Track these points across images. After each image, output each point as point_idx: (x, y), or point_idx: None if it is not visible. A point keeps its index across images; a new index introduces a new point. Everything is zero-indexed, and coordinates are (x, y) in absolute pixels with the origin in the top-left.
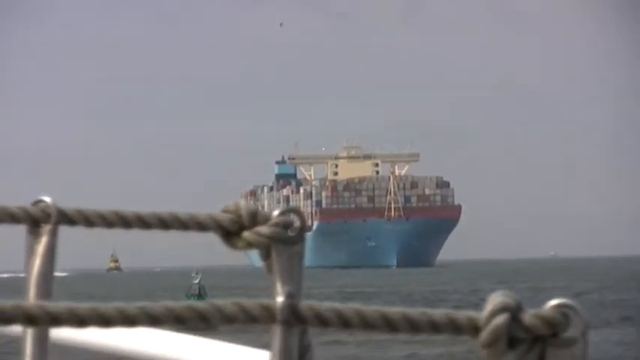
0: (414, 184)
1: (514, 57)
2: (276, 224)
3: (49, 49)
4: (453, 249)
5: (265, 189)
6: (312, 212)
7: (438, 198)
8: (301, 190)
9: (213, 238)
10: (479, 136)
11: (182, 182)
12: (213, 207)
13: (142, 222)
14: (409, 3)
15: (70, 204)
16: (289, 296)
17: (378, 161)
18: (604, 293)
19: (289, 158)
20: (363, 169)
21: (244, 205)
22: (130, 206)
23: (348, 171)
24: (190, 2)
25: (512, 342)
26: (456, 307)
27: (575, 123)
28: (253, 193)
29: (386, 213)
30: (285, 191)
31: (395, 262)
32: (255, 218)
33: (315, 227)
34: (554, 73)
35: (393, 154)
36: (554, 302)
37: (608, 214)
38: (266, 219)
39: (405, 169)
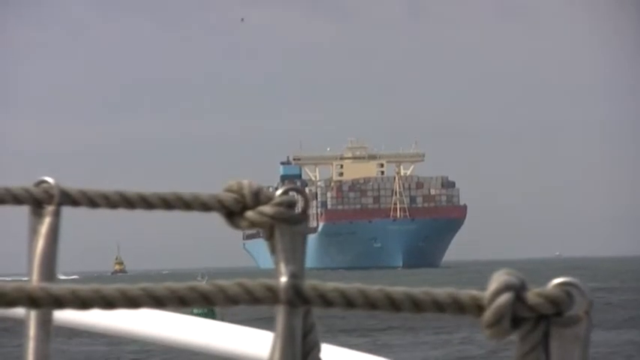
0: (419, 185)
1: (522, 55)
2: (280, 203)
3: (47, 46)
4: (458, 249)
5: (270, 190)
6: (317, 213)
7: (444, 198)
8: (306, 191)
9: (217, 241)
10: (484, 136)
11: (185, 183)
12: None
13: (146, 202)
14: (414, 1)
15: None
16: (293, 276)
17: (383, 161)
18: (612, 293)
19: (294, 159)
20: (368, 170)
21: (247, 183)
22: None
23: (353, 171)
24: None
25: (515, 321)
26: None
27: (583, 122)
28: None
29: (391, 213)
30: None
31: (401, 263)
32: (258, 197)
33: (320, 228)
34: (561, 71)
35: (398, 154)
36: (557, 281)
37: (613, 214)
38: (269, 198)
39: (411, 169)
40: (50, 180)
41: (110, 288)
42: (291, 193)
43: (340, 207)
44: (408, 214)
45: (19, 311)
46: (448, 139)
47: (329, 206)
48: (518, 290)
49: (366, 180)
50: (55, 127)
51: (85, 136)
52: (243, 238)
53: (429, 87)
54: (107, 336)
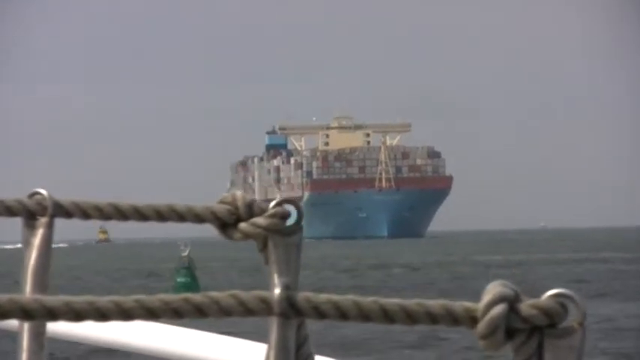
0: (405, 155)
1: (510, 29)
2: (273, 215)
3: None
4: (443, 220)
5: (256, 159)
6: (302, 183)
7: (430, 168)
8: (292, 161)
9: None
10: (470, 107)
11: (172, 151)
12: (203, 178)
13: (139, 214)
14: None
15: (62, 171)
16: (286, 288)
17: (370, 131)
18: (606, 263)
19: (280, 128)
20: (354, 140)
21: (241, 195)
22: (118, 174)
23: (339, 141)
24: None
25: (509, 332)
26: (457, 278)
27: (567, 95)
28: (243, 164)
29: (377, 183)
30: (275, 162)
31: (386, 233)
32: (252, 209)
33: (305, 198)
34: (551, 45)
35: (384, 125)
36: (552, 292)
37: (598, 186)
38: (262, 210)
39: (397, 139)
40: (43, 192)
41: (104, 300)
42: (284, 204)
43: (326, 177)
44: (393, 184)
45: (13, 323)
46: (435, 110)
47: (314, 176)
48: (512, 302)
49: (352, 150)
50: (49, 92)
51: (75, 102)
52: None
53: (417, 58)
54: (101, 347)
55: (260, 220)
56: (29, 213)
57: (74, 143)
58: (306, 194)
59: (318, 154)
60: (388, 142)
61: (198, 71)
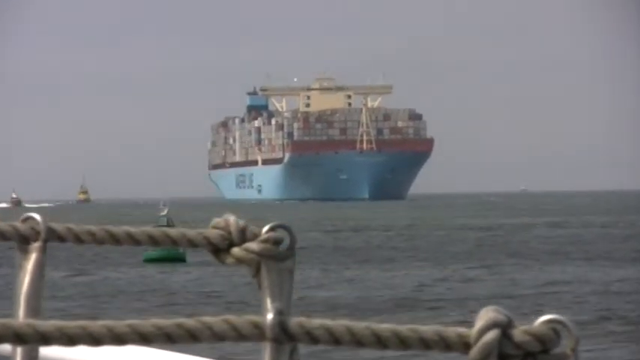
0: (386, 117)
1: None
2: (266, 240)
3: None
4: (424, 182)
5: (237, 120)
6: (283, 144)
7: (411, 131)
8: (273, 122)
9: (182, 171)
10: (452, 69)
11: (154, 110)
12: (184, 138)
13: (132, 239)
14: None
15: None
16: (279, 313)
17: (351, 93)
18: (587, 228)
19: (261, 89)
20: (335, 101)
21: (233, 220)
22: (101, 134)
23: (321, 102)
24: None
25: (502, 358)
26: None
27: (552, 58)
28: (224, 125)
29: (358, 145)
30: (256, 123)
31: (367, 195)
32: (245, 234)
33: (286, 159)
34: (535, 5)
35: (365, 86)
36: (544, 318)
37: (579, 150)
38: (255, 235)
39: (378, 101)
40: (36, 216)
41: (97, 324)
42: (277, 229)
43: (307, 138)
44: (374, 146)
45: (5, 347)
46: (416, 72)
47: (295, 137)
48: (504, 327)
49: (333, 111)
50: (38, 53)
51: (58, 63)
52: (209, 168)
53: (398, 20)
54: None
55: (253, 246)
56: (22, 237)
57: (57, 98)
58: (287, 155)
59: (299, 115)
60: (369, 104)
61: (179, 31)
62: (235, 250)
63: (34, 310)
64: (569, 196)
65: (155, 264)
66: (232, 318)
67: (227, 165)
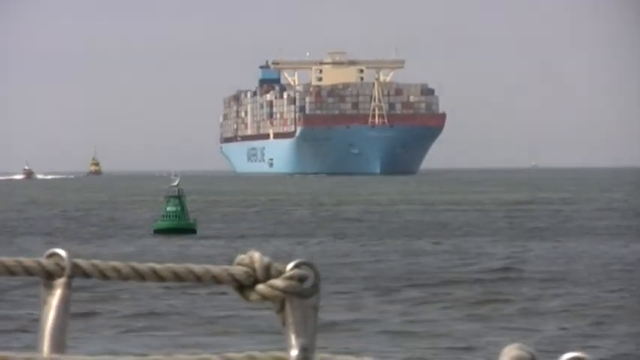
0: (398, 91)
1: None
2: (290, 277)
3: None
4: (436, 157)
5: (249, 94)
6: (295, 118)
7: (423, 105)
8: (285, 96)
9: (194, 144)
10: (465, 44)
11: (166, 84)
12: (196, 110)
13: (157, 275)
14: None
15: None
16: (303, 349)
17: (363, 67)
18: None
19: (273, 63)
20: (347, 75)
21: (258, 257)
22: (113, 107)
23: (333, 77)
24: None
25: None
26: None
27: (563, 33)
28: (236, 98)
29: (370, 119)
30: (268, 96)
31: (379, 170)
32: (269, 271)
33: (298, 133)
34: None
35: (378, 60)
36: (567, 356)
37: (589, 126)
38: (280, 272)
39: (390, 75)
40: (61, 252)
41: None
42: (302, 266)
43: (319, 112)
44: (386, 120)
45: None
46: (429, 47)
47: (307, 111)
48: None
49: (345, 85)
50: (48, 28)
51: (72, 38)
52: (221, 142)
53: None
54: None
55: (278, 282)
56: (47, 273)
57: (70, 73)
58: (299, 129)
59: (311, 89)
60: (382, 79)
61: (192, 6)
62: (260, 287)
63: (59, 344)
64: (578, 171)
65: (165, 234)
66: (257, 354)
67: (239, 138)
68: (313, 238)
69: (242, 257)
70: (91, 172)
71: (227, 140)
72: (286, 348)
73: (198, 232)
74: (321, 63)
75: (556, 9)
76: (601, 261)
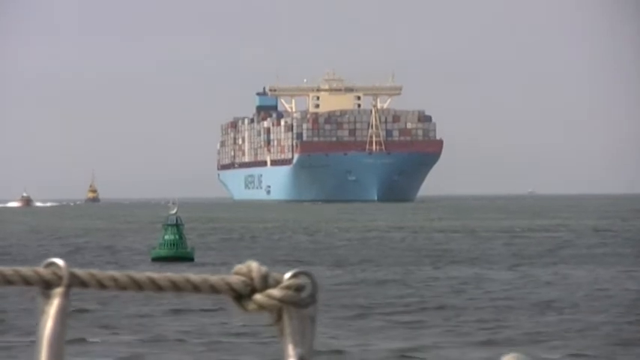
0: (396, 118)
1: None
2: (288, 287)
3: None
4: (433, 184)
5: (246, 121)
6: (292, 145)
7: (420, 132)
8: (282, 122)
9: (192, 172)
10: (462, 71)
11: (164, 110)
12: (193, 138)
13: (155, 284)
14: None
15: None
16: (301, 359)
17: (360, 94)
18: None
19: (270, 90)
20: (344, 102)
21: (256, 267)
22: (111, 134)
23: (330, 103)
24: None
25: None
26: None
27: (562, 61)
28: (234, 125)
29: (367, 146)
30: (265, 123)
31: (376, 197)
32: (267, 281)
33: (295, 160)
34: (543, 11)
35: (375, 87)
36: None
37: (585, 154)
38: (277, 281)
39: (387, 102)
40: (59, 262)
41: None
42: (299, 276)
43: (316, 139)
44: (383, 147)
45: None
46: (426, 74)
47: (304, 138)
48: None
49: (343, 112)
50: (48, 51)
51: (63, 63)
52: (218, 169)
53: (408, 21)
54: None
55: (275, 292)
56: (45, 283)
57: (69, 99)
58: (296, 156)
59: (309, 115)
60: (379, 105)
61: (189, 31)
62: (257, 297)
63: (56, 355)
64: (575, 199)
65: (163, 262)
66: None
67: (236, 165)
68: (310, 265)
69: (240, 267)
70: (88, 199)
71: (224, 167)
72: (283, 358)
73: (195, 259)
74: (319, 90)
75: (555, 37)
76: (599, 287)
